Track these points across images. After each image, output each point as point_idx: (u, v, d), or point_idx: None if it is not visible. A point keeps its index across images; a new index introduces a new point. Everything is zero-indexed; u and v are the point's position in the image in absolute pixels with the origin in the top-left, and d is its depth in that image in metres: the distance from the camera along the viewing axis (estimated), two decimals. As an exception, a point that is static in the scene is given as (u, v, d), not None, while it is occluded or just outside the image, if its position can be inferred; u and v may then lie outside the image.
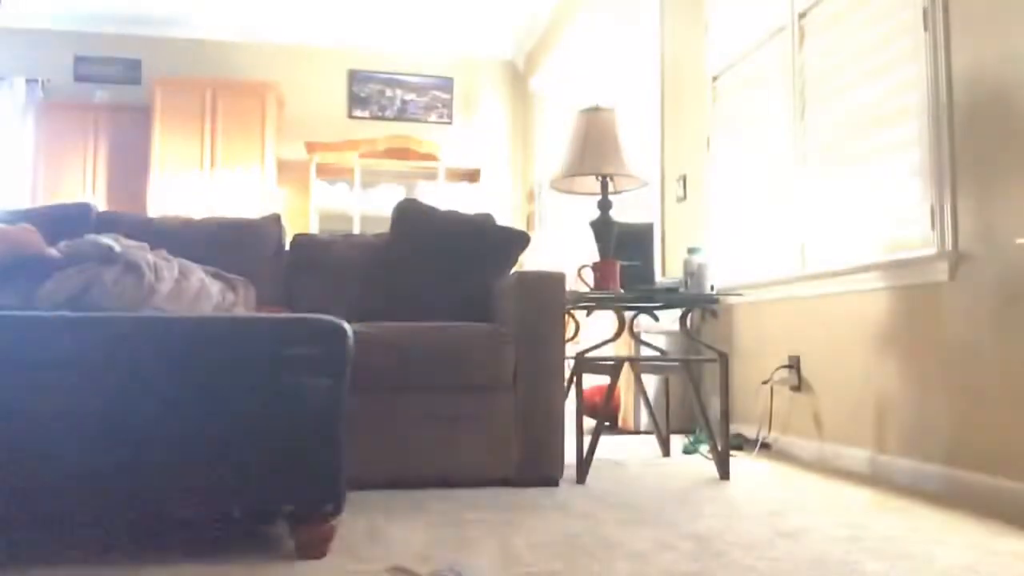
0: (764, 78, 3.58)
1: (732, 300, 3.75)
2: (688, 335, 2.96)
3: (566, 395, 2.75)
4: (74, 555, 1.69)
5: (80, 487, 1.61)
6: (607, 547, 1.81)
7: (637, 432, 4.00)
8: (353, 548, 1.77)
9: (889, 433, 2.76)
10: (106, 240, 2.13)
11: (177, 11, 6.97)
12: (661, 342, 3.90)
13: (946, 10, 2.53)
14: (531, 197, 7.37)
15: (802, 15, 3.30)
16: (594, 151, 2.95)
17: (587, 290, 2.99)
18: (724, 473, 2.74)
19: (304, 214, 7.02)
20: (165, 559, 1.66)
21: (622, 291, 2.92)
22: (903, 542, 1.88)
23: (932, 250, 2.55)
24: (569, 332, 2.94)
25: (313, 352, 1.70)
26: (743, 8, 3.79)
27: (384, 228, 3.26)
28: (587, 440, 2.70)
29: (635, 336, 3.46)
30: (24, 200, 6.55)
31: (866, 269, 2.84)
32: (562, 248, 6.27)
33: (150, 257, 2.18)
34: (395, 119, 7.56)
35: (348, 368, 1.76)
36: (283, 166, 7.15)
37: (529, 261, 6.29)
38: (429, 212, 3.10)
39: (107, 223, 2.90)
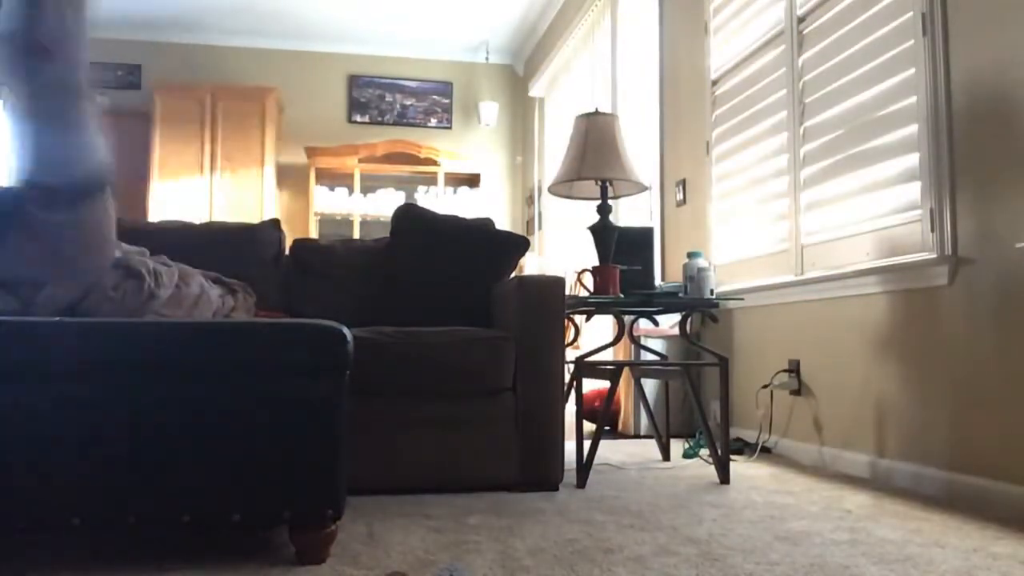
0: (763, 82, 3.58)
1: (732, 304, 3.75)
2: (688, 339, 2.96)
3: (566, 399, 2.75)
4: (72, 561, 1.69)
5: (78, 492, 1.61)
6: (607, 552, 1.81)
7: (637, 436, 4.00)
8: (353, 553, 1.77)
9: (889, 437, 2.76)
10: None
11: (177, 16, 6.98)
12: (661, 346, 3.90)
13: (945, 15, 2.54)
14: (531, 201, 7.37)
15: (801, 20, 3.31)
16: (594, 155, 2.96)
17: (587, 294, 3.00)
18: (724, 477, 2.73)
19: (304, 219, 7.03)
20: (165, 565, 1.66)
21: (622, 295, 2.93)
22: (903, 546, 1.88)
23: (931, 254, 2.55)
24: (569, 336, 2.94)
25: (312, 357, 1.71)
26: (743, 13, 3.80)
27: (384, 233, 3.27)
28: (587, 444, 2.70)
29: (635, 340, 3.46)
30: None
31: (866, 273, 2.84)
32: (562, 252, 6.28)
33: (150, 263, 2.18)
34: (395, 124, 7.58)
35: (347, 373, 1.77)
36: (283, 171, 7.16)
37: (529, 265, 6.29)
38: (429, 217, 3.11)
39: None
